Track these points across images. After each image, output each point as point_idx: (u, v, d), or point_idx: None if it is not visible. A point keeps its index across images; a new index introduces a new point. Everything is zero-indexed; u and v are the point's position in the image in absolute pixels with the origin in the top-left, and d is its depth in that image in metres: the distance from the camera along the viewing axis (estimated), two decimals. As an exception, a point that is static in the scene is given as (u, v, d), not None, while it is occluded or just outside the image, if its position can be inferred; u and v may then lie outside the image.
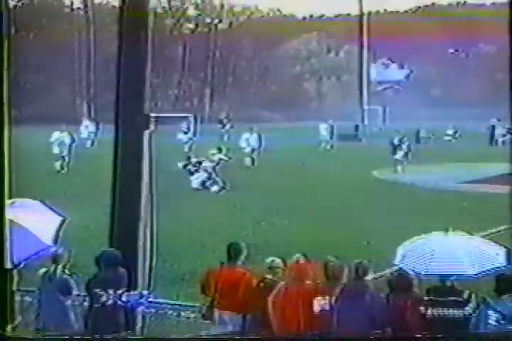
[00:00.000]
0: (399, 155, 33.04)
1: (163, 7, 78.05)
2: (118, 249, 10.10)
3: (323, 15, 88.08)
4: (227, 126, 50.32)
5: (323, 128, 47.99)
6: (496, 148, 45.77)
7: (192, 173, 26.62)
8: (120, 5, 10.73)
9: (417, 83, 74.72)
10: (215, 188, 25.81)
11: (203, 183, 26.35)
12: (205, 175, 26.42)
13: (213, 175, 26.55)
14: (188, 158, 27.20)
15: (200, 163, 26.81)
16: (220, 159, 27.72)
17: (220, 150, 28.24)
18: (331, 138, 47.26)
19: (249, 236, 12.21)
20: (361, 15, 70.09)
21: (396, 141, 33.51)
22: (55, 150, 31.68)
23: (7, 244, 5.67)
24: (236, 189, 25.63)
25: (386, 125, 61.16)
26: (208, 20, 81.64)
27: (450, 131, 50.85)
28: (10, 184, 5.49)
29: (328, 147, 45.22)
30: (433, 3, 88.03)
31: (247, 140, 34.86)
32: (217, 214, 21.21)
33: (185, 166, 26.64)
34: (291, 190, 25.90)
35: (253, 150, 34.57)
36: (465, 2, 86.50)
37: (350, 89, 75.05)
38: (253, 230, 17.30)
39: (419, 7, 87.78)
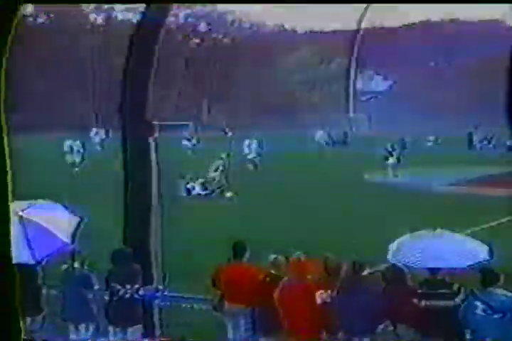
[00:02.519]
0: (391, 160, 33.14)
1: (177, 23, 78.14)
2: (131, 247, 10.10)
3: (322, 31, 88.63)
4: (229, 134, 50.40)
5: (320, 135, 48.21)
6: (474, 152, 45.90)
7: (190, 190, 26.14)
8: (138, 22, 10.68)
9: (401, 93, 75.01)
10: (228, 194, 25.48)
11: (203, 186, 26.05)
12: (201, 180, 26.14)
13: (223, 181, 26.37)
14: (183, 177, 26.31)
15: (192, 179, 26.28)
16: (221, 159, 27.66)
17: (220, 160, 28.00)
18: (327, 143, 47.49)
19: (252, 235, 12.19)
20: (357, 30, 70.22)
21: (389, 148, 33.69)
22: (68, 157, 31.70)
23: (13, 241, 5.66)
24: (241, 192, 25.50)
25: (372, 132, 61.40)
26: (214, 35, 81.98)
27: (431, 138, 50.95)
28: (14, 185, 5.49)
29: (323, 152, 45.40)
30: (425, 20, 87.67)
31: (249, 146, 34.88)
32: (225, 215, 21.26)
33: (188, 191, 26.11)
34: (290, 192, 25.92)
35: (256, 155, 34.55)
36: (455, 19, 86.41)
37: (340, 98, 75.43)
38: (256, 229, 17.25)
39: (414, 23, 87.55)
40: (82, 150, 32.14)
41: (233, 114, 69.82)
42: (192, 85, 79.41)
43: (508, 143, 41.91)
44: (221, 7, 79.21)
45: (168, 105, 71.30)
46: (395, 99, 73.56)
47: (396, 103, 69.92)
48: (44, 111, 64.47)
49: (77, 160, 31.39)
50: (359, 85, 76.99)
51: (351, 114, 69.69)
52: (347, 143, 52.68)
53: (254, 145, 34.91)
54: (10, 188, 7.49)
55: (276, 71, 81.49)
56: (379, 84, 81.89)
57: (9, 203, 7.38)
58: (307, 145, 46.11)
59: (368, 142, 46.64)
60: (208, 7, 78.58)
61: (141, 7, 10.53)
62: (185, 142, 42.71)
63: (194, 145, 42.69)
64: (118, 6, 74.00)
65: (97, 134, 46.95)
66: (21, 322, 5.03)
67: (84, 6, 73.98)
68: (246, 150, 34.94)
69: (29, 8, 69.51)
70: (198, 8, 77.77)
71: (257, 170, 33.78)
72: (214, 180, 26.34)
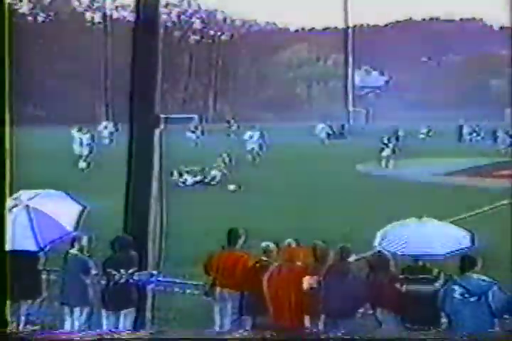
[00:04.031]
0: (386, 152, 33.07)
1: (173, 21, 78.41)
2: (131, 234, 10.06)
3: (313, 28, 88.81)
4: (234, 127, 50.25)
5: (320, 128, 48.09)
6: (464, 144, 45.83)
7: (185, 182, 25.73)
8: (134, 19, 10.73)
9: (396, 88, 74.95)
10: (231, 187, 24.92)
11: (190, 174, 25.78)
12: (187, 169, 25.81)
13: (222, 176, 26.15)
14: (171, 174, 24.83)
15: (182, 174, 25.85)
16: (220, 156, 27.56)
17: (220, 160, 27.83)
18: (328, 136, 47.41)
19: (247, 223, 12.14)
20: (347, 28, 70.31)
21: (385, 140, 33.61)
22: (77, 148, 31.61)
23: (7, 228, 5.62)
24: (242, 182, 25.22)
25: (369, 125, 61.38)
26: (212, 32, 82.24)
27: (424, 130, 50.81)
28: (11, 176, 5.43)
29: (323, 144, 45.37)
30: (410, 18, 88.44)
31: (251, 137, 34.73)
32: (220, 203, 21.17)
33: (183, 182, 25.64)
34: (288, 182, 25.84)
35: (259, 146, 34.36)
36: (438, 18, 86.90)
37: (337, 93, 75.36)
38: (251, 218, 17.18)
39: (398, 21, 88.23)
40: (91, 143, 31.98)
41: (236, 108, 69.79)
42: (197, 80, 79.56)
43: (496, 135, 41.88)
44: (209, 5, 79.60)
45: (175, 99, 71.36)
46: (391, 93, 73.54)
47: (391, 97, 69.91)
48: (53, 105, 64.40)
49: (85, 152, 31.22)
50: (357, 81, 76.97)
51: (350, 108, 69.69)
52: (343, 136, 52.60)
53: (256, 137, 34.74)
54: (7, 181, 7.46)
55: (276, 67, 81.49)
56: (376, 79, 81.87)
57: (5, 195, 7.37)
58: (307, 138, 46.10)
59: (365, 134, 46.66)
60: (197, 5, 79.04)
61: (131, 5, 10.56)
62: (189, 134, 42.53)
63: (198, 137, 42.56)
64: (108, 5, 74.16)
65: (106, 128, 46.80)
66: (7, 305, 5.01)
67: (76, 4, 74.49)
68: (248, 142, 34.78)
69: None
70: (188, 6, 78.05)
71: (259, 161, 33.65)
72: (214, 178, 26.04)
